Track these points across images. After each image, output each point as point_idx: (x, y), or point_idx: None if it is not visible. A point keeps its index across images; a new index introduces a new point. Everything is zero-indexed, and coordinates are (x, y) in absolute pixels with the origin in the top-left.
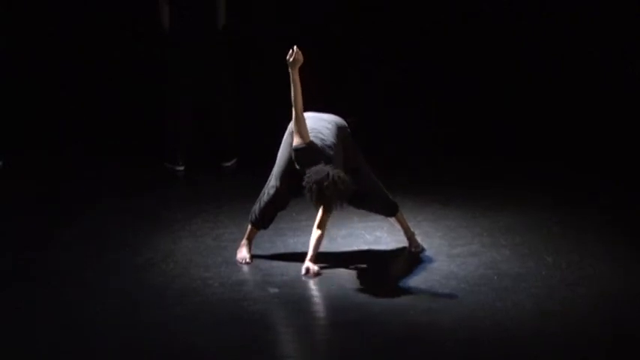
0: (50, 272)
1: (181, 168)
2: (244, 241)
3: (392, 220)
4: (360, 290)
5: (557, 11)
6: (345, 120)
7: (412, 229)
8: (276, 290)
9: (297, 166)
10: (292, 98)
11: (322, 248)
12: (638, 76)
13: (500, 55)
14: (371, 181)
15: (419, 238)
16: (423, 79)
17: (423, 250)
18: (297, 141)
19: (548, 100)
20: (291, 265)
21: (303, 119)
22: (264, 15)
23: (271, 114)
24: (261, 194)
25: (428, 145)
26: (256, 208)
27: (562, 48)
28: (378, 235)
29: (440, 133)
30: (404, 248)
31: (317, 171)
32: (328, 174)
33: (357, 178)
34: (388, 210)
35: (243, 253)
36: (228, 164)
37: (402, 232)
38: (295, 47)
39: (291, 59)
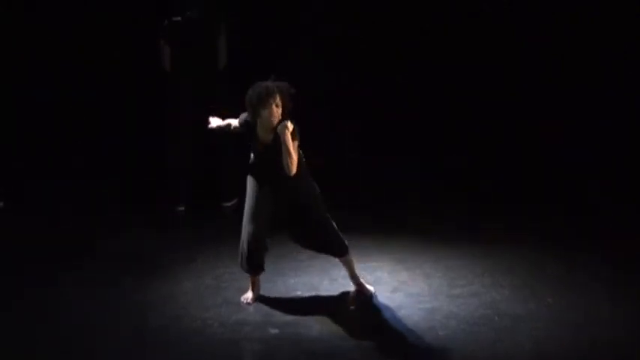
0: (51, 317)
1: (182, 208)
2: (250, 284)
3: (340, 261)
4: (361, 330)
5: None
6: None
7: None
8: (276, 331)
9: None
10: (293, 156)
11: (323, 291)
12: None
13: (499, 102)
14: (321, 217)
15: (419, 279)
16: (421, 114)
17: (373, 295)
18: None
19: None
20: (291, 306)
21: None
22: (266, 53)
23: None
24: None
25: (428, 184)
26: (241, 260)
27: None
28: (379, 275)
29: (442, 172)
30: (404, 288)
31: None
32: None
33: (306, 214)
34: (337, 249)
35: (247, 294)
36: (229, 204)
37: (401, 273)
38: (290, 124)
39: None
